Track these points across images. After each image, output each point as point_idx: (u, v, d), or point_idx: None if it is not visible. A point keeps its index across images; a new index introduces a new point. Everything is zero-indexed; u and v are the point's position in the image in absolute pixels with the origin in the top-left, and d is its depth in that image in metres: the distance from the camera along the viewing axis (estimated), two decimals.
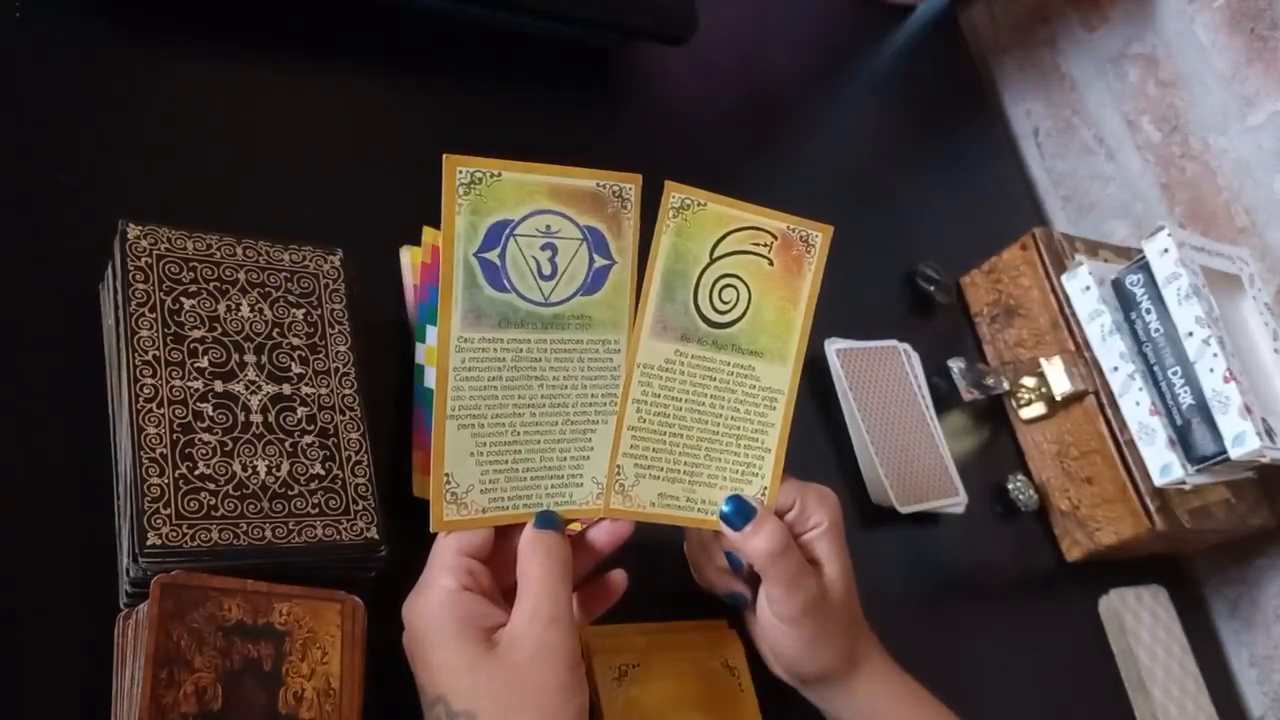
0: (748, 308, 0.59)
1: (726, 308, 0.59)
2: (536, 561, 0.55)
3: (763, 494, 0.61)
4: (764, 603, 0.62)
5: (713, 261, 0.58)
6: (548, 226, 0.55)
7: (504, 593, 0.57)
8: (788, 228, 0.59)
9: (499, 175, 0.53)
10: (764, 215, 0.59)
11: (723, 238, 0.58)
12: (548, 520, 0.57)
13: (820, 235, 0.60)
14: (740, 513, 0.59)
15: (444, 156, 0.52)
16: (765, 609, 0.62)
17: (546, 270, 0.55)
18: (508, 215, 0.54)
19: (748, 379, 0.60)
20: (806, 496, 0.62)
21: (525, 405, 0.56)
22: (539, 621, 0.53)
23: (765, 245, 0.59)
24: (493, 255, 0.54)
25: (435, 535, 0.56)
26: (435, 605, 0.53)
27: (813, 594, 0.61)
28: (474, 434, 0.55)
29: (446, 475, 0.54)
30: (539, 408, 0.56)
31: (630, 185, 0.57)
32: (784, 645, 0.63)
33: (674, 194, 0.57)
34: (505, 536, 0.57)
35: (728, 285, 0.58)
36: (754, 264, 0.59)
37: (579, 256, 0.56)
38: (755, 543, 0.59)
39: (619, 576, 0.60)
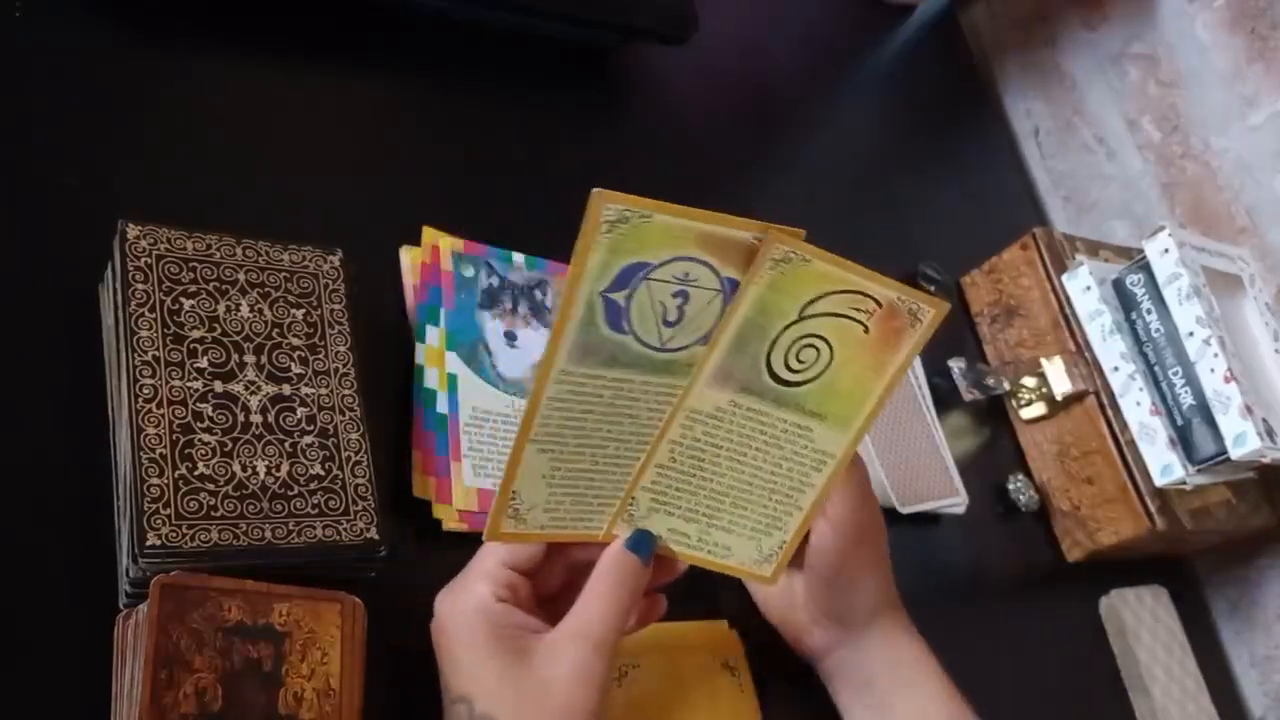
0: (824, 371, 0.55)
1: (802, 368, 0.54)
2: (608, 583, 0.54)
3: (780, 547, 0.59)
4: (817, 533, 0.62)
5: (800, 320, 0.53)
6: (686, 274, 0.50)
7: (543, 600, 0.57)
8: (897, 297, 0.53)
9: (649, 217, 0.48)
10: (874, 281, 0.52)
11: (819, 298, 0.52)
12: (639, 542, 0.56)
13: (932, 312, 0.53)
14: None
15: (593, 191, 0.46)
16: (818, 535, 0.62)
17: (672, 317, 0.51)
18: (647, 259, 0.49)
19: (801, 438, 0.56)
20: None
21: (612, 439, 0.54)
22: (586, 643, 0.52)
23: (866, 312, 0.53)
24: (619, 296, 0.50)
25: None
26: (469, 610, 0.53)
27: (866, 486, 0.63)
28: (552, 458, 0.53)
29: (513, 493, 0.53)
30: (625, 443, 0.54)
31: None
32: (827, 561, 0.62)
33: (778, 245, 0.50)
34: (559, 550, 0.57)
35: (809, 346, 0.54)
36: (846, 328, 0.53)
37: (710, 307, 0.52)
38: None
39: (663, 601, 0.60)
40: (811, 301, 0.52)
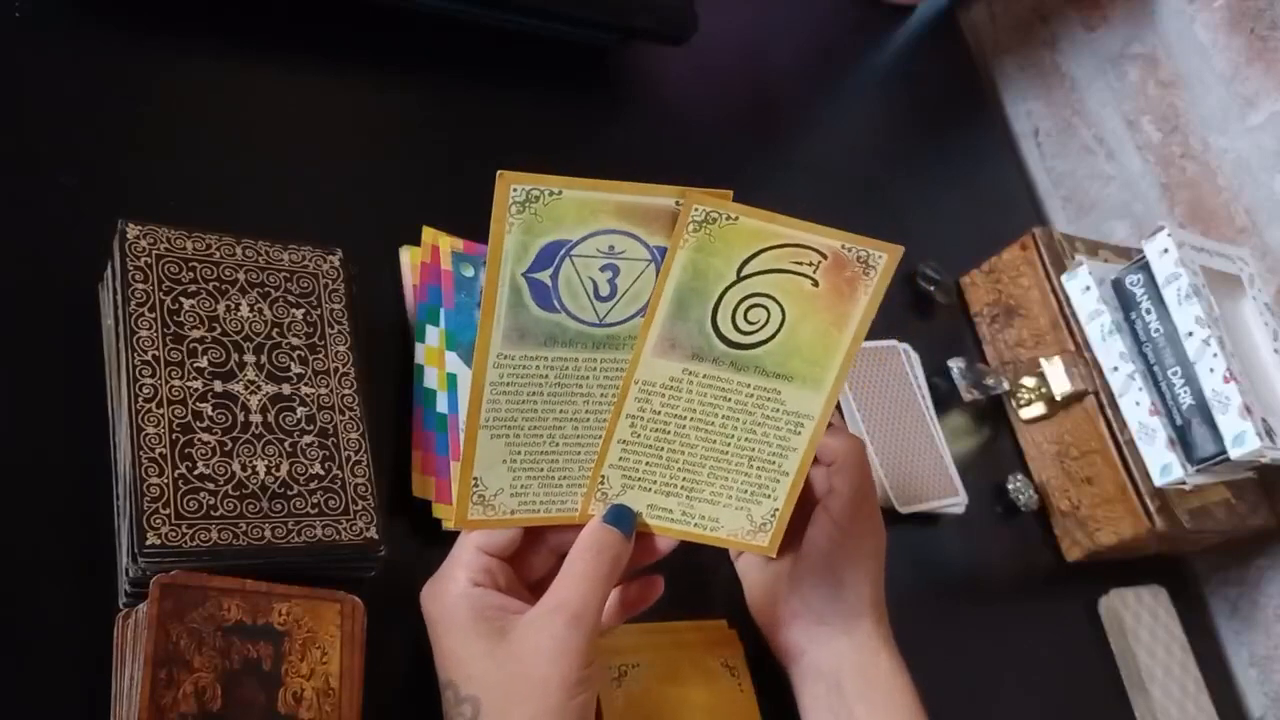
0: (779, 330, 0.54)
1: (753, 328, 0.53)
2: (584, 557, 0.55)
3: (774, 515, 0.58)
4: (815, 522, 0.62)
5: (740, 280, 0.52)
6: (610, 247, 0.50)
7: (533, 585, 0.57)
8: (841, 246, 0.52)
9: (559, 193, 0.48)
10: (812, 232, 0.51)
11: (755, 255, 0.52)
12: (617, 516, 0.56)
13: (885, 256, 0.53)
14: None
15: (498, 173, 0.47)
16: (816, 525, 0.62)
17: (604, 291, 0.51)
18: (565, 236, 0.49)
19: (770, 402, 0.55)
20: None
21: (568, 419, 0.54)
22: (561, 616, 0.53)
23: (810, 265, 0.52)
24: (543, 275, 0.50)
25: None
26: (448, 596, 0.54)
27: (868, 483, 0.63)
28: (508, 443, 0.53)
29: (475, 479, 0.54)
30: (583, 421, 0.54)
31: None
32: (820, 551, 0.62)
33: (697, 206, 0.50)
34: (540, 534, 0.57)
35: (756, 305, 0.53)
36: (793, 284, 0.52)
37: (644, 277, 0.51)
38: (835, 442, 0.61)
39: (660, 582, 0.60)
40: (748, 260, 0.52)
